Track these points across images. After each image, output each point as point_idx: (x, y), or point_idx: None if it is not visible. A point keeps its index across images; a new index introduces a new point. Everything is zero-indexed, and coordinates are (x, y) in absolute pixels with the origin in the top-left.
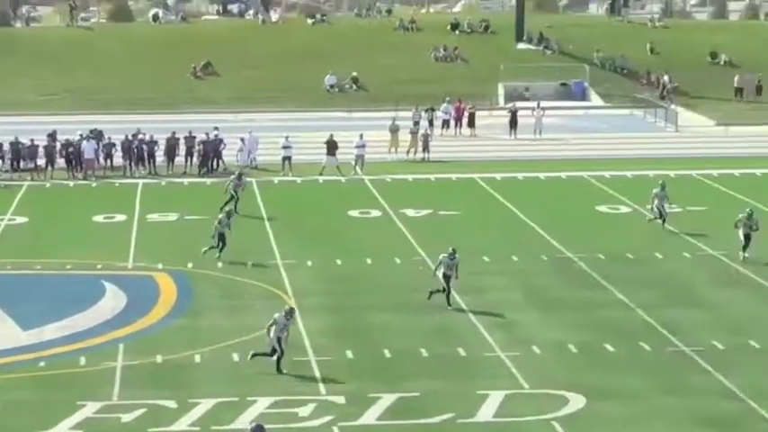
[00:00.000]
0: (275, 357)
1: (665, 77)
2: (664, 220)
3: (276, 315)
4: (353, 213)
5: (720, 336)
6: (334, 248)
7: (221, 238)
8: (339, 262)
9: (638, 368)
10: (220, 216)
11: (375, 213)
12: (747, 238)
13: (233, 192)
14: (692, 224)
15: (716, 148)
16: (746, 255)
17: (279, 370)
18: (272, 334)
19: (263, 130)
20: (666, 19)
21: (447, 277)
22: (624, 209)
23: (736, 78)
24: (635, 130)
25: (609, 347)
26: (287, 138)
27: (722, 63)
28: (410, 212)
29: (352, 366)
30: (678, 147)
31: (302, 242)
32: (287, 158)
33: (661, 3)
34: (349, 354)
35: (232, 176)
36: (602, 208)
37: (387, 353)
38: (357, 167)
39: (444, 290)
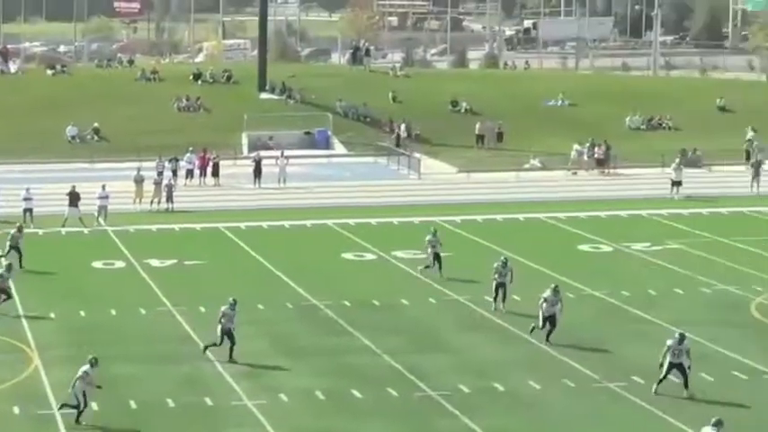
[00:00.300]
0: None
1: (402, 126)
2: (440, 267)
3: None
4: (97, 264)
5: (466, 379)
6: (77, 300)
7: None
8: (83, 313)
9: (385, 413)
10: None
11: (119, 264)
12: (501, 286)
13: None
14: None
15: (458, 195)
16: (502, 306)
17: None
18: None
19: (4, 182)
20: (408, 68)
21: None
22: (369, 256)
23: (477, 126)
24: (378, 178)
25: (356, 393)
26: (28, 189)
27: (463, 111)
28: (155, 263)
29: (97, 419)
30: (421, 194)
31: (45, 294)
32: (28, 210)
33: (402, 52)
34: (95, 406)
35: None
36: (348, 255)
37: (133, 404)
38: (100, 218)
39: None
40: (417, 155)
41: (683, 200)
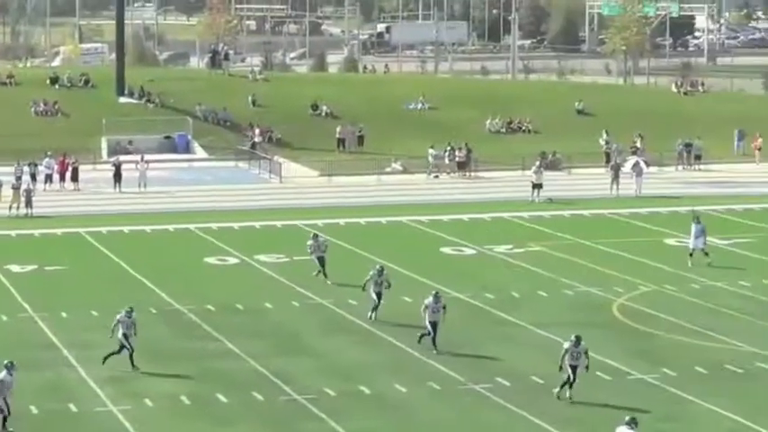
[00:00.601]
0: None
1: (257, 130)
2: (323, 271)
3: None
4: None
5: (332, 383)
6: None
7: None
8: None
9: (251, 418)
10: None
11: None
12: (379, 296)
13: None
14: (301, 273)
15: (320, 198)
16: (374, 316)
17: None
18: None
19: None
20: (267, 72)
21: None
22: (232, 260)
23: (337, 129)
24: (240, 182)
25: (221, 398)
26: None
27: (323, 114)
28: (14, 268)
29: None
30: (283, 197)
31: None
32: None
33: (261, 56)
34: None
35: None
36: (211, 259)
37: None
38: None
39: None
40: (278, 159)
41: (544, 202)
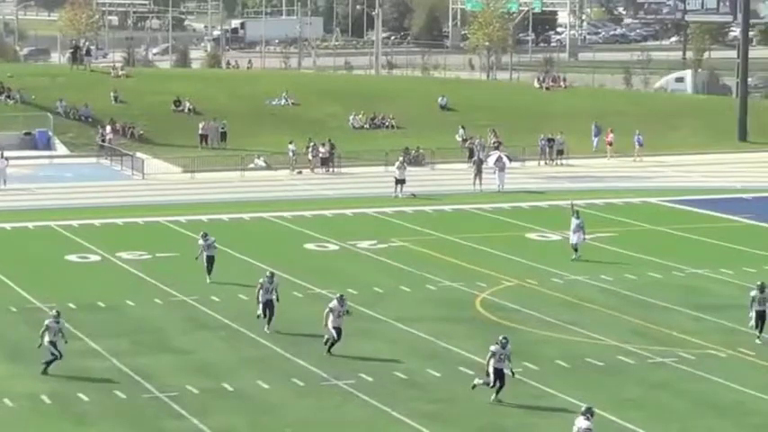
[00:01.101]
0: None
1: (108, 127)
2: (209, 270)
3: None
4: None
5: (194, 380)
6: None
7: None
8: None
9: (113, 416)
10: None
11: None
12: (269, 306)
13: None
14: (163, 271)
15: (183, 195)
16: (267, 329)
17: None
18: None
19: None
20: (129, 68)
21: None
22: (93, 257)
23: (200, 125)
24: (102, 179)
25: (83, 396)
26: None
27: (186, 111)
28: None
29: None
30: (145, 194)
31: None
32: None
33: (124, 52)
34: None
35: None
36: (72, 257)
37: None
38: None
39: None
40: (141, 155)
41: (408, 198)
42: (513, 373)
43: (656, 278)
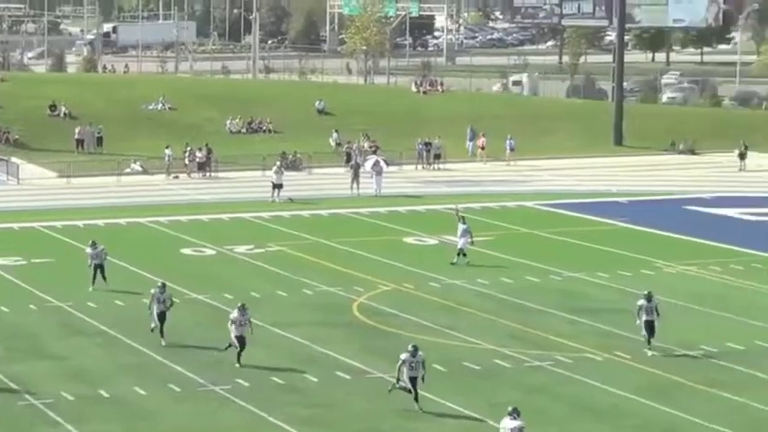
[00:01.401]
0: None
1: None
2: (102, 276)
3: None
4: None
5: (70, 386)
6: None
7: None
8: None
9: None
10: None
11: None
12: (162, 317)
13: None
14: (38, 277)
15: (58, 200)
16: (164, 342)
17: None
18: None
19: None
20: (4, 72)
21: None
22: None
23: (76, 130)
24: None
25: None
26: None
27: (62, 115)
28: None
29: None
30: (21, 199)
31: None
32: None
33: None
34: None
35: None
36: None
37: None
38: None
39: None
40: (16, 160)
41: (285, 202)
42: (422, 380)
43: (532, 282)
